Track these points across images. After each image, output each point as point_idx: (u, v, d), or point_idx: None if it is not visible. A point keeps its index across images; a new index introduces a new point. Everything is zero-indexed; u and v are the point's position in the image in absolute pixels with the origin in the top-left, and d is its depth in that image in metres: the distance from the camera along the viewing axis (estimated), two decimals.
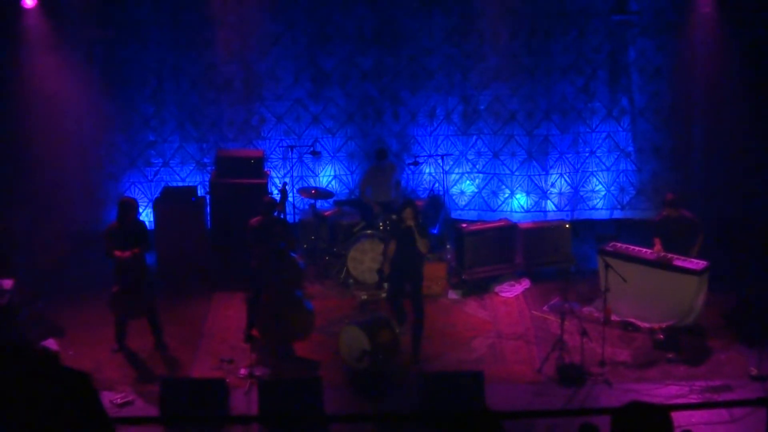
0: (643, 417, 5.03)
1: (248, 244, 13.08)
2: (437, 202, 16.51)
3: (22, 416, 3.46)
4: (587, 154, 17.17)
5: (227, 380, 11.60)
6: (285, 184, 13.66)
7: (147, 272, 12.84)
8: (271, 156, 16.86)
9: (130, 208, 12.63)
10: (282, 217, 13.12)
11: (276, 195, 13.81)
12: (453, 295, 14.78)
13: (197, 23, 16.29)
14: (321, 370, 12.37)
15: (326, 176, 17.18)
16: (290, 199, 15.36)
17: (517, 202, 17.24)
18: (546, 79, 16.84)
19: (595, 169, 17.28)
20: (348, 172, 17.18)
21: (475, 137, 17.15)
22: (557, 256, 15.30)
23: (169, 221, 15.24)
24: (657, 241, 13.66)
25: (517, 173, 17.15)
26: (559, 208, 17.23)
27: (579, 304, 14.04)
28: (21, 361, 3.59)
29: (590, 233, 16.56)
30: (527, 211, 17.20)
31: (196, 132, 16.80)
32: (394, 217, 13.40)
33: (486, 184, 17.30)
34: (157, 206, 15.38)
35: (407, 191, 16.88)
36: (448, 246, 15.66)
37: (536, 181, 17.14)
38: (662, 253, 13.40)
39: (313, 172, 17.11)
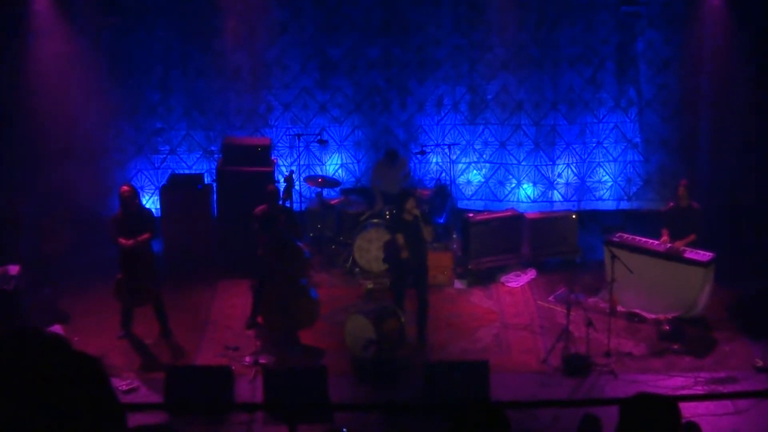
0: (651, 408, 5.02)
1: (254, 233, 13.08)
2: (444, 191, 16.47)
3: (33, 400, 3.46)
4: (594, 145, 17.14)
5: (232, 368, 11.61)
6: (291, 172, 13.68)
7: (153, 260, 12.83)
8: (278, 144, 16.84)
9: (128, 196, 12.55)
10: (288, 205, 13.12)
11: (282, 183, 13.82)
12: (459, 284, 14.78)
13: (205, 11, 16.26)
14: (326, 358, 12.38)
15: (333, 165, 17.17)
16: (297, 187, 15.34)
17: (524, 192, 17.22)
18: (553, 69, 16.81)
19: (602, 159, 17.24)
20: (355, 161, 17.17)
21: (482, 127, 17.13)
22: (563, 247, 15.31)
23: (176, 209, 15.25)
24: (665, 232, 13.65)
25: (524, 163, 17.13)
26: (565, 199, 17.20)
27: (585, 294, 14.03)
28: (32, 345, 3.59)
29: (597, 224, 16.53)
30: (534, 201, 17.18)
31: (204, 120, 16.78)
32: (394, 211, 13.39)
33: (493, 174, 17.28)
34: (164, 194, 15.38)
35: (413, 181, 16.84)
36: (454, 236, 15.63)
37: (543, 172, 17.12)
38: (670, 244, 13.42)
39: (319, 160, 17.11)
